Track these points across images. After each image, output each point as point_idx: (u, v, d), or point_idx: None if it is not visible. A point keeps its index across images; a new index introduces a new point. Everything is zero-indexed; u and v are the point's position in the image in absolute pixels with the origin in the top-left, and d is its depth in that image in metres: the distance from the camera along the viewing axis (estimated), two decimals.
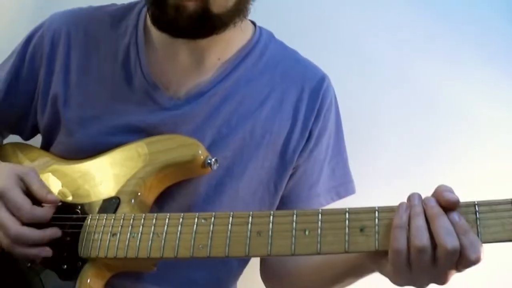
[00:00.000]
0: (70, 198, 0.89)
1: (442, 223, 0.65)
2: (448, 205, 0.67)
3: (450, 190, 0.68)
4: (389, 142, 1.23)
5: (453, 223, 0.66)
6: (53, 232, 0.82)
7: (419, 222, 0.66)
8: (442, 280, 0.68)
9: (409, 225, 0.67)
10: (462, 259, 0.65)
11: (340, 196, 1.01)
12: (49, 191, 0.84)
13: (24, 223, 0.80)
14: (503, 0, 1.22)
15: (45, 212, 0.82)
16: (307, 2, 1.26)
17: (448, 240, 0.64)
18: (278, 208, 0.97)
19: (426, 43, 1.23)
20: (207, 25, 0.85)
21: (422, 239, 0.65)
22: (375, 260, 0.74)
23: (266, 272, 1.02)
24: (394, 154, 1.23)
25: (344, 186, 1.01)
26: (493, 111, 1.19)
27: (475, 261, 0.65)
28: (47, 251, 0.81)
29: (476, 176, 1.18)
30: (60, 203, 0.86)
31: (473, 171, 1.18)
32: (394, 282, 0.71)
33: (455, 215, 0.66)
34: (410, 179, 1.20)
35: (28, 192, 0.83)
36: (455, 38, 1.22)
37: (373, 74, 1.24)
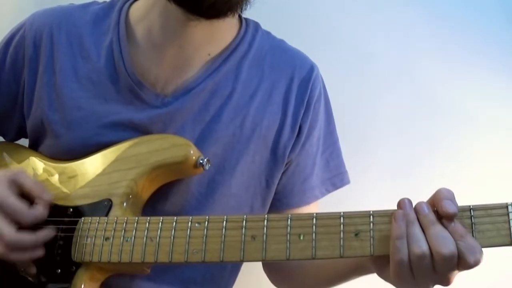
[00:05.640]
0: (61, 200, 0.88)
1: (436, 231, 0.66)
2: (445, 217, 0.67)
3: (450, 198, 0.68)
4: (388, 140, 1.23)
5: (448, 229, 0.66)
6: (47, 233, 0.81)
7: (415, 230, 0.67)
8: (446, 282, 0.68)
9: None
10: (461, 263, 0.66)
11: (336, 186, 1.00)
12: (44, 188, 0.84)
13: (23, 227, 0.80)
14: (503, 0, 1.20)
15: (43, 211, 0.82)
16: (308, 0, 1.25)
17: (444, 247, 0.65)
18: (272, 204, 0.97)
19: (426, 42, 1.22)
20: (228, 5, 0.82)
21: (420, 245, 0.66)
22: (375, 263, 0.75)
23: (269, 269, 1.02)
24: (393, 152, 1.22)
25: (340, 177, 1.00)
26: (492, 110, 1.19)
27: (474, 264, 0.65)
28: (39, 252, 0.81)
29: (475, 174, 1.18)
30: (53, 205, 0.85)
31: (472, 170, 1.18)
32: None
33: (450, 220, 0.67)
34: (410, 177, 1.20)
35: (21, 194, 0.83)
36: (454, 37, 1.21)
37: (373, 73, 1.23)
